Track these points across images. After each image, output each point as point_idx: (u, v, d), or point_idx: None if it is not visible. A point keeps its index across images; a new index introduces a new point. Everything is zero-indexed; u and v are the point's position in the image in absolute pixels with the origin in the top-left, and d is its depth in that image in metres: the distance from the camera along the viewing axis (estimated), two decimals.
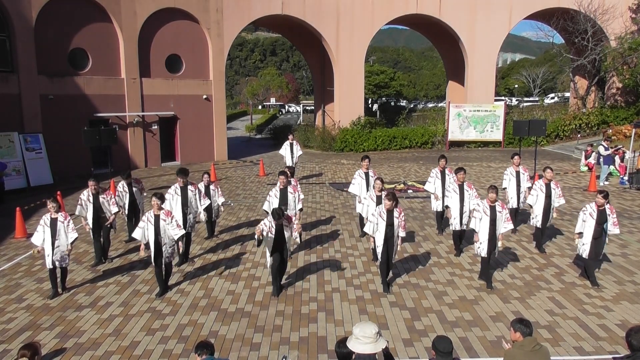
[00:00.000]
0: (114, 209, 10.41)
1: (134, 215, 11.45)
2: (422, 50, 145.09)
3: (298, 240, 9.12)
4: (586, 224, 8.66)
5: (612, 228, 8.78)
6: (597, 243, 8.68)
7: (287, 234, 8.39)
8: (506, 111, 27.71)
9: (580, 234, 8.74)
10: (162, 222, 8.43)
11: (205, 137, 24.68)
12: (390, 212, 8.46)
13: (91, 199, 10.03)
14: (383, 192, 9.51)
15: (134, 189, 11.45)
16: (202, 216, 11.31)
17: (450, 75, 33.65)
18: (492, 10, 27.12)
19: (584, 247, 8.67)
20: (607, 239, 8.83)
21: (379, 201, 9.59)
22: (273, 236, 8.22)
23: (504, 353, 4.77)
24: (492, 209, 8.66)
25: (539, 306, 7.95)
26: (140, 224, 8.58)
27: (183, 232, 8.73)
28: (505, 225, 8.73)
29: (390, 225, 8.42)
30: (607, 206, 8.69)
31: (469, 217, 9.76)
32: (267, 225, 8.21)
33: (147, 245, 8.54)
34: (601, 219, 8.61)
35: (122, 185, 11.42)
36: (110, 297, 8.60)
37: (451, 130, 27.11)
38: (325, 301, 8.28)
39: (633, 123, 20.17)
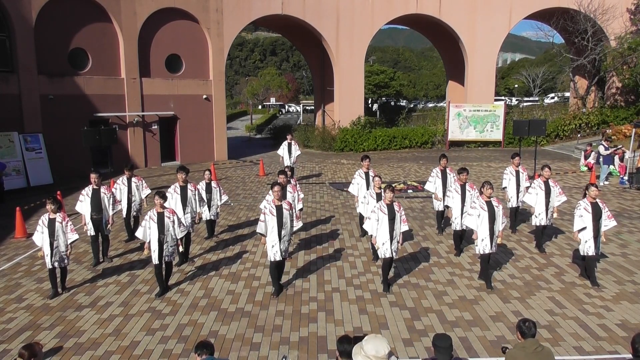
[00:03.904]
0: (117, 207, 10.41)
1: (128, 212, 11.47)
2: (422, 50, 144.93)
3: (300, 223, 9.59)
4: (584, 219, 8.66)
5: (608, 221, 8.80)
6: (596, 242, 8.69)
7: (286, 215, 8.41)
8: (506, 111, 27.70)
9: (581, 231, 8.70)
10: (166, 220, 8.46)
11: (205, 137, 24.68)
12: (390, 206, 8.46)
13: (90, 193, 10.01)
14: (382, 190, 9.51)
15: (133, 184, 11.45)
16: (204, 216, 11.30)
17: (450, 75, 33.65)
18: (492, 10, 27.12)
19: (588, 245, 8.65)
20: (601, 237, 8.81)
21: (378, 198, 9.58)
22: (275, 216, 8.25)
23: (506, 354, 4.73)
24: (489, 204, 8.66)
25: (539, 306, 7.95)
26: (143, 222, 8.58)
27: (187, 229, 8.77)
28: (502, 220, 8.77)
29: (392, 219, 8.42)
30: (598, 200, 8.73)
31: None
32: (267, 208, 8.33)
33: (150, 244, 8.53)
34: (596, 213, 8.63)
35: (121, 180, 11.44)
36: (110, 297, 8.60)
37: (451, 130, 27.10)
38: (325, 301, 8.28)
39: (633, 123, 20.17)
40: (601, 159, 17.83)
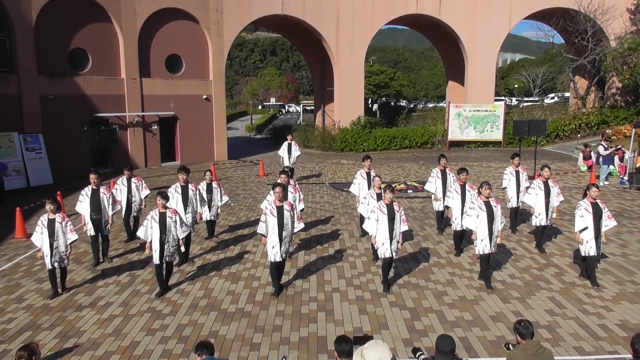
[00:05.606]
0: (117, 207, 10.42)
1: (128, 212, 11.47)
2: (422, 50, 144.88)
3: (301, 224, 9.46)
4: (585, 219, 8.65)
5: (609, 222, 8.80)
6: (597, 242, 8.69)
7: (287, 216, 8.42)
8: (506, 111, 27.70)
9: (582, 231, 8.69)
10: (168, 220, 8.46)
11: (205, 137, 24.68)
12: (390, 206, 8.47)
13: (89, 193, 10.01)
14: (382, 190, 9.51)
15: (133, 185, 11.46)
16: (204, 216, 11.30)
17: (450, 75, 33.65)
18: (492, 10, 27.13)
19: (589, 245, 8.64)
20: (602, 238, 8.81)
21: (379, 199, 9.58)
22: (276, 217, 8.26)
23: (507, 355, 4.71)
24: (488, 205, 8.67)
25: (539, 306, 7.95)
26: (144, 222, 8.58)
27: (189, 229, 8.78)
28: (502, 220, 8.78)
29: (392, 219, 8.43)
30: (597, 200, 8.74)
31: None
32: (268, 209, 8.34)
33: (151, 244, 8.53)
34: (597, 213, 8.63)
35: (121, 180, 11.45)
36: (110, 297, 8.60)
37: (451, 130, 27.10)
38: (325, 301, 8.28)
39: (633, 123, 20.16)
40: (601, 159, 17.83)
